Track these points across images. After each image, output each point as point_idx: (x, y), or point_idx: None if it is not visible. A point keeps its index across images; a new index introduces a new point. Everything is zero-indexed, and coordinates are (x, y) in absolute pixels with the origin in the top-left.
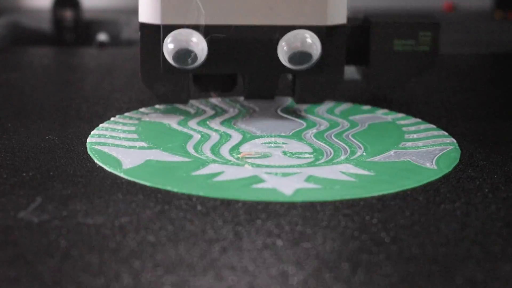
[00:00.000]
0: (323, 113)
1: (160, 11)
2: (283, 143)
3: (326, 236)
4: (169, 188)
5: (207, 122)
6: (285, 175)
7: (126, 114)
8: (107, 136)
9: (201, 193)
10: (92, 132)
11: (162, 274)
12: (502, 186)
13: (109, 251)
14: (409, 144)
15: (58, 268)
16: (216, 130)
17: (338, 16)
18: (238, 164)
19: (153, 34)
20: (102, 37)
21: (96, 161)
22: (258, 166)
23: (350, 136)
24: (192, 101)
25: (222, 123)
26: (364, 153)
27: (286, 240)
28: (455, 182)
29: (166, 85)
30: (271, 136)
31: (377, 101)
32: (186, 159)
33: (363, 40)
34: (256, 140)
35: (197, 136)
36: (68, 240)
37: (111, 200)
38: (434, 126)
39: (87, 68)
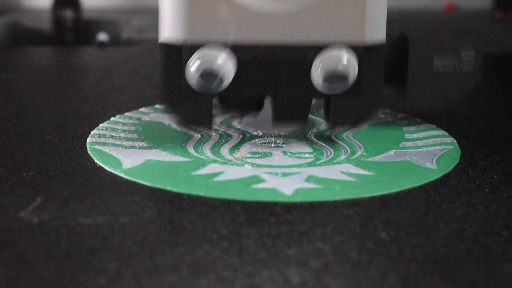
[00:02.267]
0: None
1: (183, 29)
2: (283, 143)
3: (326, 236)
4: (169, 188)
5: None
6: (285, 175)
7: (126, 114)
8: (107, 136)
9: (201, 193)
10: (92, 132)
11: (162, 275)
12: (503, 186)
13: (109, 251)
14: (409, 144)
15: (58, 268)
16: (216, 130)
17: (377, 33)
18: (238, 164)
19: (175, 54)
20: (102, 37)
21: (96, 161)
22: (258, 166)
23: (350, 136)
24: None
25: (222, 123)
26: (364, 153)
27: (286, 240)
28: (455, 182)
29: (188, 108)
30: (271, 136)
31: None
32: (186, 159)
33: (400, 57)
34: (256, 140)
35: (197, 136)
36: (68, 240)
37: (111, 200)
38: (434, 126)
39: (87, 67)
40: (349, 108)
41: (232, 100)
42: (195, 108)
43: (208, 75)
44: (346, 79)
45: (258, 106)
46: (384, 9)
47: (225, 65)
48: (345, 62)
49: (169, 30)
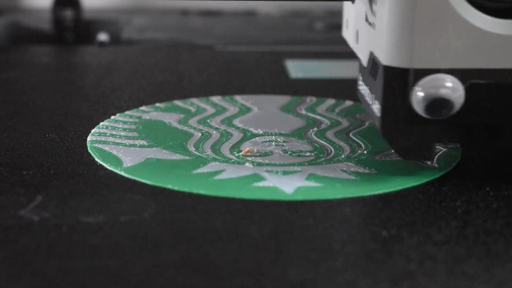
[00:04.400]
0: (324, 112)
1: (412, 53)
2: (284, 141)
3: (326, 234)
4: (169, 186)
5: (208, 121)
6: (285, 173)
7: (127, 112)
8: (107, 134)
9: (202, 191)
10: (93, 131)
11: (162, 274)
12: (503, 184)
13: (110, 250)
14: None
15: (59, 266)
16: (216, 128)
17: None
18: (238, 163)
19: (400, 79)
20: (102, 37)
21: (96, 159)
22: (259, 164)
23: (350, 135)
24: (193, 100)
25: (222, 121)
26: (365, 152)
27: (287, 239)
28: (456, 180)
29: (410, 138)
30: (272, 135)
31: None
32: (187, 158)
33: None
34: (257, 139)
35: (198, 134)
36: (69, 238)
37: (112, 199)
38: None
39: (87, 66)
40: None
41: (457, 128)
42: (417, 138)
43: (438, 101)
44: None
45: (472, 136)
46: None
47: (455, 91)
48: None
49: (394, 53)
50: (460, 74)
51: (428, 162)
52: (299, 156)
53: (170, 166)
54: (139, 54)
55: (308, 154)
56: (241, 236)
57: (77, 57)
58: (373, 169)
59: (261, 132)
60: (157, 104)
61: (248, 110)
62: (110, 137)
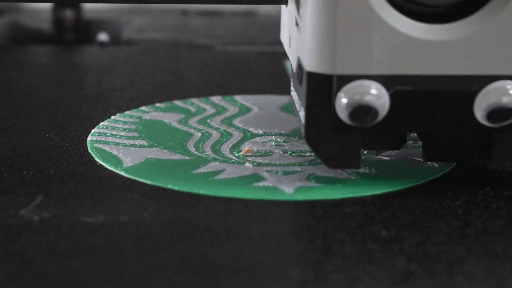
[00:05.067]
0: None
1: (335, 59)
2: (284, 141)
3: (327, 234)
4: (169, 186)
5: (208, 121)
6: (286, 173)
7: (127, 112)
8: (107, 134)
9: (202, 191)
10: (93, 131)
11: (162, 274)
12: (503, 184)
13: (110, 250)
14: (410, 142)
15: (59, 267)
16: (216, 128)
17: None
18: (239, 163)
19: (324, 86)
20: (102, 37)
21: (96, 159)
22: (259, 164)
23: None
24: (193, 100)
25: (222, 121)
26: (365, 152)
27: (287, 239)
28: (456, 180)
29: (335, 146)
30: (272, 135)
31: None
32: (187, 158)
33: None
34: (257, 139)
35: (198, 135)
36: (69, 238)
37: (112, 199)
38: None
39: (87, 66)
40: None
41: (377, 136)
42: (342, 147)
43: (362, 108)
44: None
45: (401, 142)
46: None
47: (380, 98)
48: None
49: (317, 59)
50: (384, 80)
51: (361, 170)
52: (299, 156)
53: (170, 166)
54: (139, 54)
55: (308, 154)
56: (241, 236)
57: (77, 57)
58: (373, 169)
59: (261, 132)
60: (157, 104)
61: (248, 110)
62: (110, 137)
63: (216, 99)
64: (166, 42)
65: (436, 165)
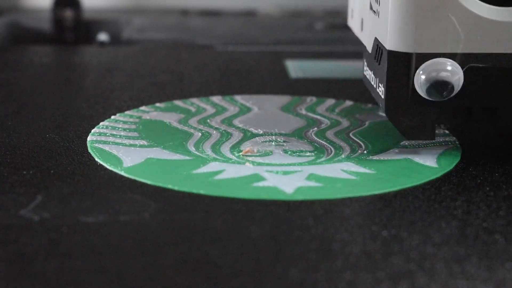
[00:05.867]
0: (324, 112)
1: (414, 38)
2: (284, 141)
3: (326, 234)
4: (169, 186)
5: (208, 121)
6: (286, 173)
7: (127, 112)
8: (107, 134)
9: (202, 191)
10: (93, 131)
11: (162, 274)
12: (503, 184)
13: (110, 250)
14: (410, 142)
15: (59, 267)
16: (216, 128)
17: None
18: (239, 163)
19: (403, 63)
20: (102, 37)
21: (96, 159)
22: (259, 164)
23: (351, 135)
24: (193, 100)
25: (222, 121)
26: (365, 152)
27: (287, 238)
28: (456, 180)
29: (412, 119)
30: (272, 135)
31: None
32: (187, 158)
33: None
34: (257, 138)
35: (198, 134)
36: (69, 238)
37: (112, 199)
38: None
39: (87, 66)
40: None
41: (447, 111)
42: (419, 119)
43: (439, 83)
44: None
45: (468, 118)
46: None
47: (455, 74)
48: None
49: (398, 39)
50: (459, 58)
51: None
52: (299, 156)
53: (170, 166)
54: (139, 54)
55: (308, 154)
56: (241, 236)
57: (77, 57)
58: (373, 169)
59: (261, 132)
60: (157, 104)
61: (248, 110)
62: (110, 137)
63: (216, 99)
64: (166, 42)
65: (436, 165)
